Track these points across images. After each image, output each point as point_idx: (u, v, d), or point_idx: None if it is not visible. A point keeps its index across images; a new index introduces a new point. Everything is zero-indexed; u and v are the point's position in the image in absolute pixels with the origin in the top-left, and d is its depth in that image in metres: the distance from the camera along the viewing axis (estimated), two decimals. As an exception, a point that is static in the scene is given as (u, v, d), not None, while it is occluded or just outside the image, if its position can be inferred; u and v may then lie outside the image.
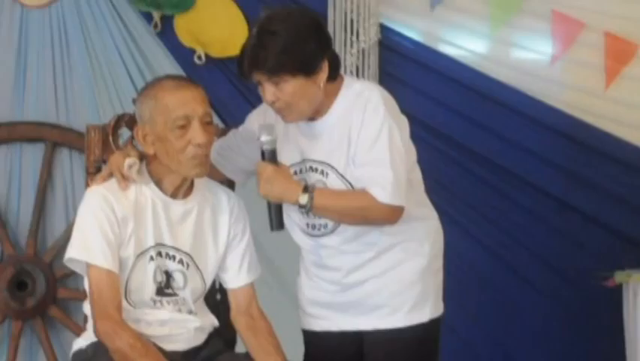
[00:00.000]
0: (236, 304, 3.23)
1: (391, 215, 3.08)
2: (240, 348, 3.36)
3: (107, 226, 2.98)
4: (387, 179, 3.03)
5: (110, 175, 3.08)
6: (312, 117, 3.17)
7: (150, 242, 3.04)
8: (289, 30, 3.05)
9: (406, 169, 3.12)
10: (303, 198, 3.05)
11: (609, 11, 4.67)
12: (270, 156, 3.10)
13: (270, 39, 3.03)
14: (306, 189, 3.06)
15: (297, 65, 3.03)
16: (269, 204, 3.12)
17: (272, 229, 3.14)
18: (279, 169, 3.09)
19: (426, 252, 3.23)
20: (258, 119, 3.25)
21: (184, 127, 2.99)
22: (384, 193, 3.03)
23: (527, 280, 4.67)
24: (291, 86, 3.05)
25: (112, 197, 3.02)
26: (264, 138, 3.10)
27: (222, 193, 3.22)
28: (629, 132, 4.63)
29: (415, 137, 3.31)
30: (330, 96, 3.15)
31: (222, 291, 3.37)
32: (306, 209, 3.07)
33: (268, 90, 3.07)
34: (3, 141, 4.50)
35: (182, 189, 3.11)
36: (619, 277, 4.27)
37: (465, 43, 4.73)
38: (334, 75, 3.15)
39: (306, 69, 3.05)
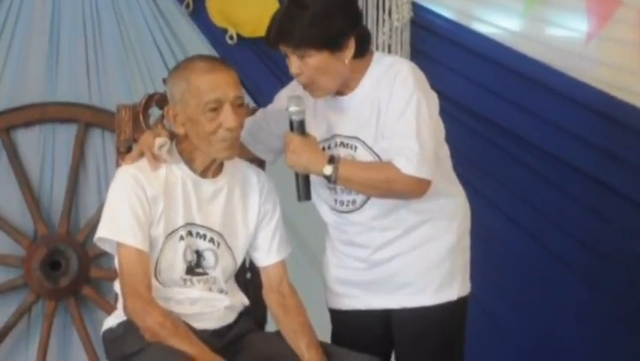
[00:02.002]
0: (267, 281, 3.24)
1: (417, 187, 3.05)
2: (270, 327, 3.36)
3: (138, 205, 2.99)
4: (412, 150, 3.01)
5: (141, 155, 3.09)
6: (341, 92, 3.16)
7: (180, 222, 3.05)
8: (319, 4, 3.05)
9: (434, 143, 3.09)
10: (328, 169, 3.04)
11: (646, -12, 4.60)
12: (298, 127, 3.10)
13: (298, 12, 3.04)
14: (331, 160, 3.05)
15: (322, 41, 3.04)
16: (296, 175, 3.13)
17: (299, 199, 3.15)
18: (306, 140, 3.09)
19: (454, 230, 3.22)
20: (286, 96, 3.24)
21: (215, 110, 3.00)
22: (409, 165, 3.01)
23: (561, 259, 4.62)
24: (315, 61, 3.05)
25: (142, 176, 3.02)
26: (292, 108, 3.10)
27: (252, 173, 3.22)
28: (666, 110, 4.59)
29: (447, 115, 3.29)
30: (359, 71, 3.14)
31: (252, 270, 3.38)
32: (331, 180, 3.06)
33: (294, 63, 3.09)
34: (36, 121, 4.52)
35: (212, 169, 3.12)
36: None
37: (499, 21, 4.67)
38: (363, 51, 3.14)
39: (332, 45, 3.05)
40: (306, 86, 3.13)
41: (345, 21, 3.08)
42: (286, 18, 3.06)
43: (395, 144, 3.05)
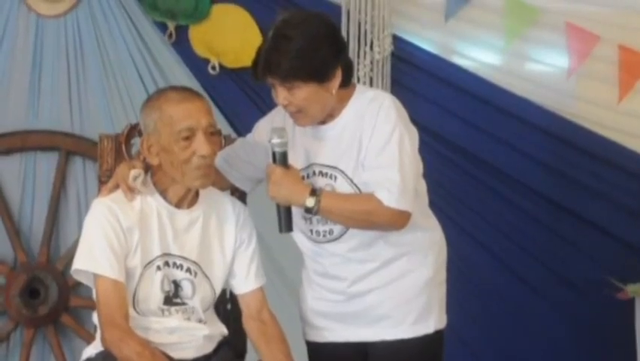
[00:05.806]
0: (246, 309, 3.23)
1: (397, 219, 3.06)
2: (250, 358, 3.35)
3: (113, 236, 2.99)
4: (394, 183, 3.02)
5: (116, 186, 3.09)
6: (322, 121, 3.17)
7: (157, 252, 3.06)
8: (304, 36, 3.05)
9: (415, 176, 3.11)
10: (310, 201, 3.05)
11: (624, 24, 4.65)
12: (281, 159, 3.11)
13: (284, 44, 3.04)
14: (313, 192, 3.06)
15: (309, 72, 3.04)
16: (278, 207, 3.13)
17: (281, 231, 3.15)
18: (288, 172, 3.09)
19: (430, 263, 3.23)
20: (265, 126, 3.26)
21: (188, 138, 3.01)
22: (390, 197, 3.02)
23: (536, 290, 4.67)
24: (304, 92, 3.06)
25: (117, 207, 3.03)
26: (275, 140, 3.10)
27: (227, 201, 3.23)
28: (643, 145, 4.63)
29: (426, 147, 3.31)
30: (341, 101, 3.15)
31: (233, 300, 3.37)
32: (313, 212, 3.07)
33: (281, 94, 3.08)
34: (17, 149, 4.53)
35: (187, 199, 3.12)
36: (632, 289, 4.26)
37: (479, 56, 4.72)
38: (347, 81, 3.15)
39: (319, 76, 3.06)
40: (292, 115, 3.13)
41: (330, 51, 3.08)
42: (272, 51, 3.05)
43: (377, 176, 3.06)
